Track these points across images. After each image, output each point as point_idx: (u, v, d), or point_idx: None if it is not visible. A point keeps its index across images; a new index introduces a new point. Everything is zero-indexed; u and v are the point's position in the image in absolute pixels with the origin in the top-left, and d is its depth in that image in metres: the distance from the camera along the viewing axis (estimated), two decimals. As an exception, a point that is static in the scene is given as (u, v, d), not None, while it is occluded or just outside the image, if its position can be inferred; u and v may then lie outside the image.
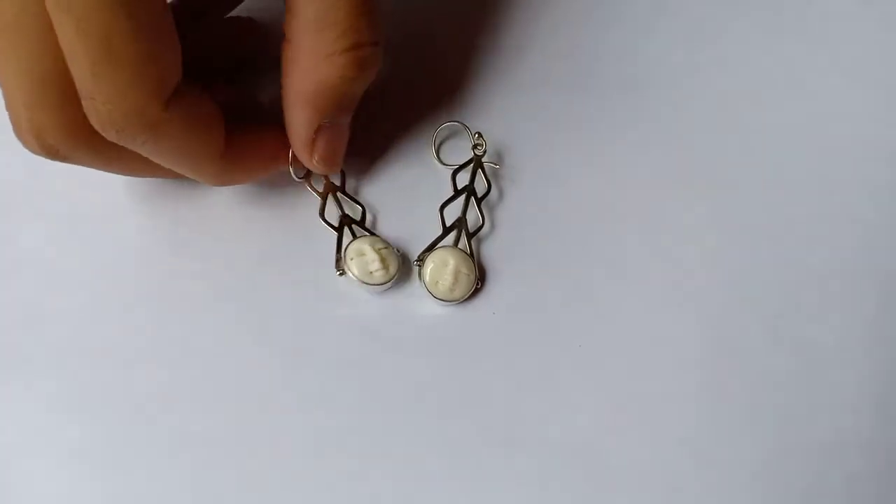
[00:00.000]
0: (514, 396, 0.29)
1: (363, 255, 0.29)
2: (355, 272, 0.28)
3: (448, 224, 0.30)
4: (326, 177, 0.30)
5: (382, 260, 0.29)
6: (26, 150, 0.24)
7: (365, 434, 0.28)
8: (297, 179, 0.29)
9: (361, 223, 0.30)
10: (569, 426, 0.28)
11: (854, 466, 0.29)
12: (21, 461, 0.28)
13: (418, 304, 0.30)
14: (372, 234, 0.30)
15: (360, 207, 0.30)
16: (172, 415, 0.28)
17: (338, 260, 0.29)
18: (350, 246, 0.29)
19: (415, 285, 0.30)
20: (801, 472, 0.28)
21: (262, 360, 0.29)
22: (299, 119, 0.26)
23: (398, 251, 0.29)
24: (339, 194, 0.30)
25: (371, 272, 0.28)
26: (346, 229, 0.30)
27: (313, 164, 0.28)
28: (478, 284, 0.30)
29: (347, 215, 0.30)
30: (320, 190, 0.30)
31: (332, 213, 0.30)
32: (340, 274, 0.29)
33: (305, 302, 0.29)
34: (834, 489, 0.28)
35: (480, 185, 0.31)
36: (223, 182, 0.27)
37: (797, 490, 0.28)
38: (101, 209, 0.30)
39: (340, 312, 0.29)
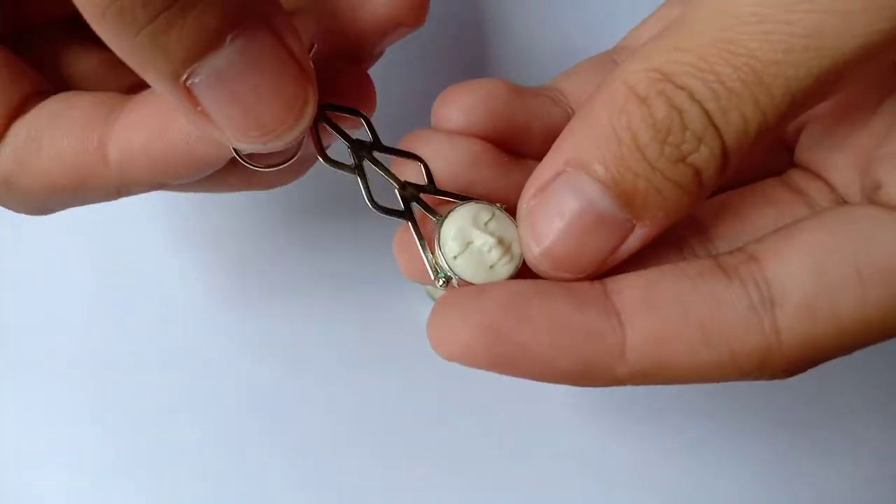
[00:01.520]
0: (514, 403, 0.28)
1: (471, 244, 0.18)
2: (470, 273, 0.18)
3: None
4: (346, 138, 0.19)
5: (500, 241, 0.18)
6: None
7: (367, 439, 0.28)
8: (253, 167, 0.19)
9: (431, 186, 0.18)
10: (572, 432, 0.28)
11: (863, 472, 0.28)
12: (26, 467, 0.27)
13: (416, 306, 0.29)
14: (463, 198, 0.18)
15: (419, 163, 0.19)
16: (175, 421, 0.28)
17: (432, 265, 0.18)
18: (443, 232, 0.18)
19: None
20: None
21: (263, 368, 0.28)
22: (153, 83, 0.16)
23: (500, 206, 0.19)
24: (376, 155, 0.19)
25: (491, 266, 0.18)
26: (414, 207, 0.19)
27: (232, 140, 0.17)
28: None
29: (410, 184, 0.19)
30: (348, 163, 0.19)
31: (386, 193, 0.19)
32: (444, 284, 0.18)
33: (310, 307, 0.29)
34: (847, 491, 0.28)
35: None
36: (125, 187, 0.19)
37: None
38: (105, 214, 0.29)
39: (346, 316, 0.29)
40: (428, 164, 0.18)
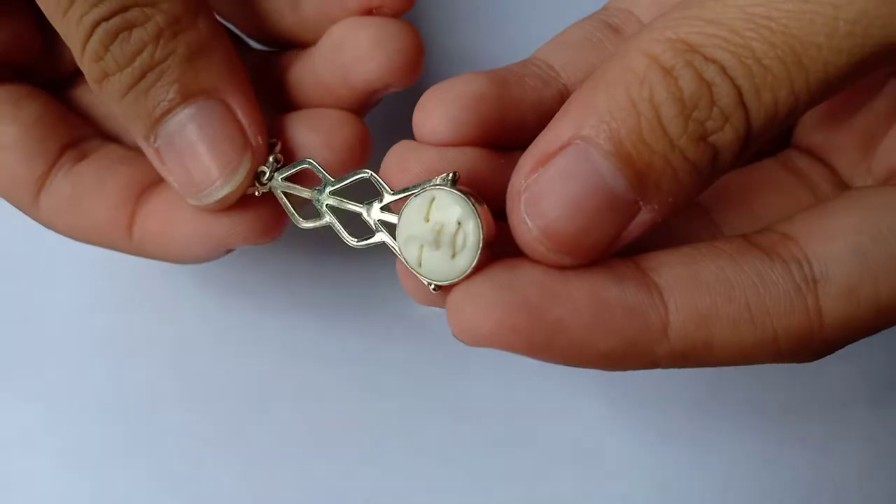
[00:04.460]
0: (509, 394, 0.28)
1: (421, 246, 0.17)
2: (439, 274, 0.17)
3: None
4: (307, 193, 0.20)
5: (441, 229, 0.17)
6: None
7: (359, 432, 0.28)
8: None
9: (389, 194, 0.18)
10: (568, 425, 0.28)
11: (852, 462, 0.29)
12: (10, 460, 0.27)
13: (411, 301, 0.29)
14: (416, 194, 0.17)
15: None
16: (162, 414, 0.28)
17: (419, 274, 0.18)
18: (398, 244, 0.18)
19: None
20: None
21: (254, 360, 0.28)
22: (137, 142, 0.21)
23: (446, 179, 0.17)
24: (333, 191, 0.20)
25: (453, 256, 0.17)
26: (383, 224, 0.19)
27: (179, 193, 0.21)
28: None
29: (370, 204, 0.19)
30: (317, 217, 0.20)
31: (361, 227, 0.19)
32: (435, 289, 0.17)
33: (299, 299, 0.29)
34: (840, 480, 0.28)
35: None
36: (142, 256, 0.22)
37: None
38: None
39: (337, 307, 0.29)
40: (380, 174, 0.19)
